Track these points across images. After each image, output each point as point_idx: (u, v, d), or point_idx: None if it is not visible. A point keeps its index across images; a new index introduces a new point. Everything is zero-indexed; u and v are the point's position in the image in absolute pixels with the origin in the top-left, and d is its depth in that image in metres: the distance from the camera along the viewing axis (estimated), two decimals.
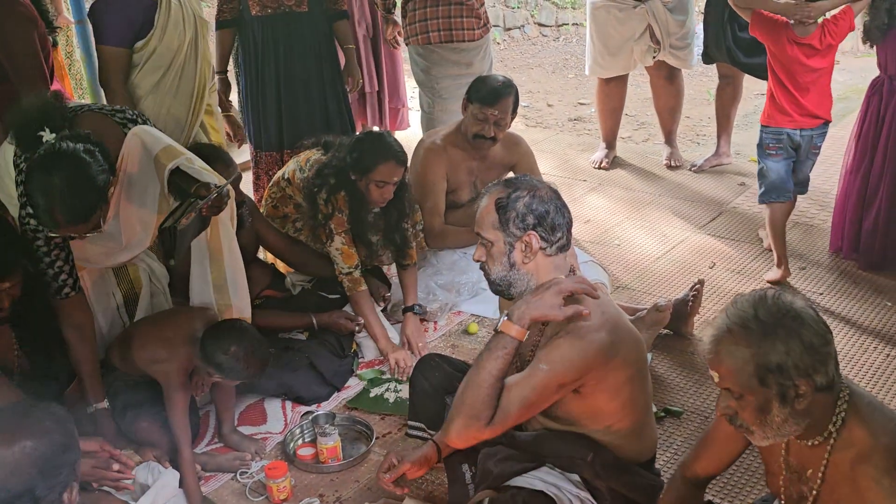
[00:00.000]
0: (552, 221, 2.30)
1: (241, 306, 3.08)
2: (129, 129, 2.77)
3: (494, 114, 3.80)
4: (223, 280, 3.02)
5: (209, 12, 4.70)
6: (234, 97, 4.40)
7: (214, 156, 3.26)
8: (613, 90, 5.34)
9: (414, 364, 3.14)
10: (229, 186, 2.88)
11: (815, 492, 1.92)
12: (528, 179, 2.38)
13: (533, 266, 2.32)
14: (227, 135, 4.23)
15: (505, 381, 2.24)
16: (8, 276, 2.59)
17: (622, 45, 5.07)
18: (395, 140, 3.55)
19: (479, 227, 2.35)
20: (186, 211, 2.68)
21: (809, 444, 1.89)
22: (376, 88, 5.20)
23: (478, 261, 2.40)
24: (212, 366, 2.80)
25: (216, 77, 4.07)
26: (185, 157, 2.73)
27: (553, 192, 2.36)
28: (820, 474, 1.90)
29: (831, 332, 1.85)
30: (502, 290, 2.38)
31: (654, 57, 5.09)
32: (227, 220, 3.01)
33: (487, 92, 3.80)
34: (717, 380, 1.88)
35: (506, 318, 2.26)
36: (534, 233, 2.29)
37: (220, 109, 4.02)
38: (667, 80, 5.26)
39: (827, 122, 3.96)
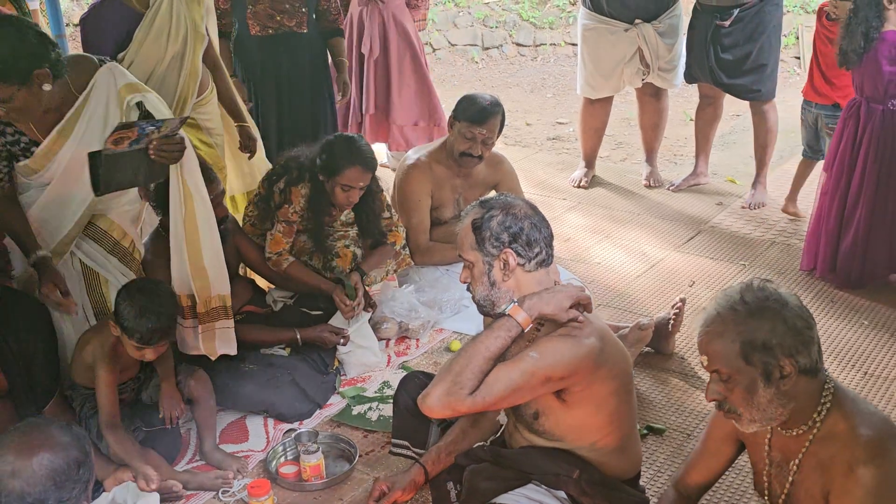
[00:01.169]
0: (527, 237, 2.32)
1: (219, 288, 3.06)
2: None
3: (482, 133, 3.82)
4: (201, 261, 2.98)
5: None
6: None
7: None
8: (598, 110, 5.39)
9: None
10: (184, 135, 2.83)
11: (790, 479, 1.99)
12: (503, 198, 2.40)
13: (513, 283, 2.34)
14: (240, 144, 4.13)
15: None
16: None
17: (613, 67, 5.12)
18: (367, 145, 3.57)
19: (460, 249, 2.39)
20: (114, 132, 2.66)
21: (794, 433, 1.95)
22: (372, 111, 5.18)
23: (464, 282, 2.43)
24: (120, 326, 2.79)
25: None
26: (150, 94, 2.76)
27: (530, 209, 2.38)
28: (796, 464, 1.96)
29: (814, 321, 1.94)
30: (487, 310, 2.40)
31: (642, 79, 5.15)
32: (204, 198, 2.95)
33: (476, 111, 3.82)
34: (706, 364, 1.96)
35: (515, 303, 2.28)
36: (510, 250, 2.31)
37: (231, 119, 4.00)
38: (652, 97, 5.32)
39: (837, 106, 4.30)
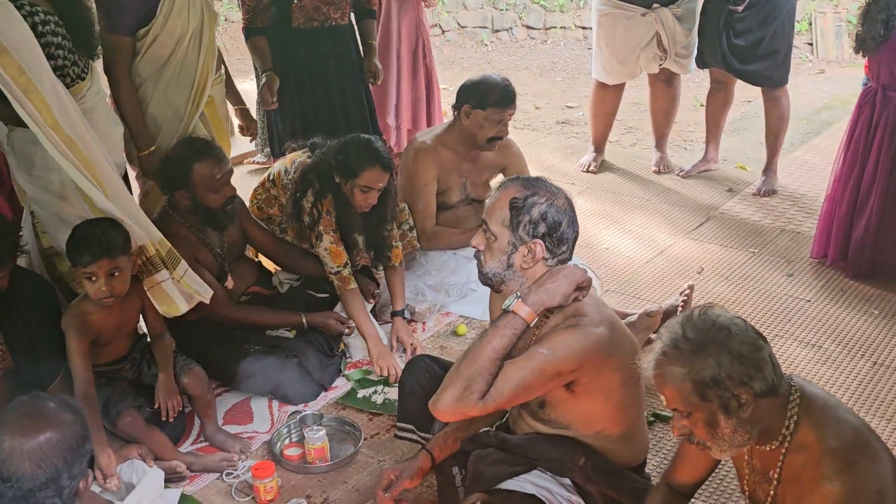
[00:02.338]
0: (562, 234, 2.29)
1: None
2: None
3: (511, 113, 3.80)
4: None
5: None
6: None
7: (206, 150, 3.23)
8: (610, 95, 5.33)
9: (401, 369, 3.13)
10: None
11: (772, 492, 1.97)
12: (548, 184, 2.35)
13: (531, 273, 2.31)
14: (240, 128, 4.14)
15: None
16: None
17: (629, 52, 5.04)
18: (383, 146, 3.51)
19: (488, 216, 2.32)
20: None
21: (767, 448, 1.94)
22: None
23: (475, 247, 2.37)
24: (70, 263, 2.81)
25: (264, 74, 4.01)
26: None
27: (568, 203, 2.34)
28: (776, 475, 1.95)
29: (764, 339, 1.90)
30: (493, 284, 2.37)
31: (659, 65, 5.08)
32: (84, 137, 2.76)
33: (502, 94, 3.77)
34: (665, 403, 1.93)
35: (518, 299, 2.26)
36: (541, 242, 2.27)
37: (229, 102, 3.96)
38: (664, 83, 5.25)
39: None
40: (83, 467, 1.85)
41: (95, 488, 2.61)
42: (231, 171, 3.31)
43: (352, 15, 4.23)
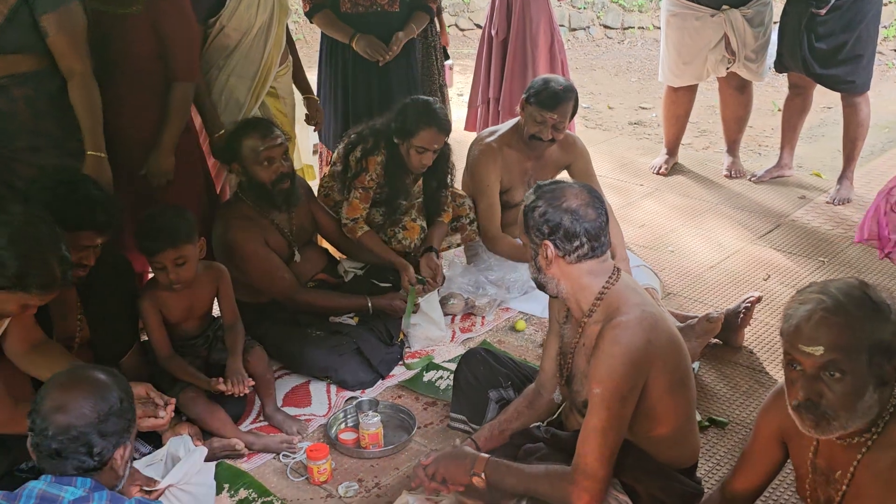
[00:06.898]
0: (566, 231, 2.27)
1: None
2: None
3: (553, 118, 3.75)
4: None
5: None
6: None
7: (255, 125, 3.32)
8: (681, 98, 5.27)
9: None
10: None
11: (841, 493, 1.90)
12: (555, 186, 2.34)
13: (556, 271, 2.33)
14: (307, 116, 4.14)
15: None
16: (106, 231, 2.71)
17: (696, 54, 4.99)
18: (442, 108, 3.57)
19: (519, 228, 2.43)
20: None
21: (846, 443, 1.86)
22: (496, 95, 5.07)
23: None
24: (139, 249, 2.99)
25: (354, 40, 4.02)
26: None
27: (577, 199, 2.29)
28: (849, 475, 1.87)
29: None
30: (540, 287, 2.42)
31: (727, 68, 5.00)
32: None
33: (548, 96, 3.74)
34: (818, 354, 1.76)
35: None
36: (549, 242, 2.29)
37: (297, 90, 4.02)
38: (736, 90, 5.17)
39: None
40: (119, 434, 1.94)
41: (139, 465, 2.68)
42: (281, 148, 3.31)
43: (404, 3, 4.17)
